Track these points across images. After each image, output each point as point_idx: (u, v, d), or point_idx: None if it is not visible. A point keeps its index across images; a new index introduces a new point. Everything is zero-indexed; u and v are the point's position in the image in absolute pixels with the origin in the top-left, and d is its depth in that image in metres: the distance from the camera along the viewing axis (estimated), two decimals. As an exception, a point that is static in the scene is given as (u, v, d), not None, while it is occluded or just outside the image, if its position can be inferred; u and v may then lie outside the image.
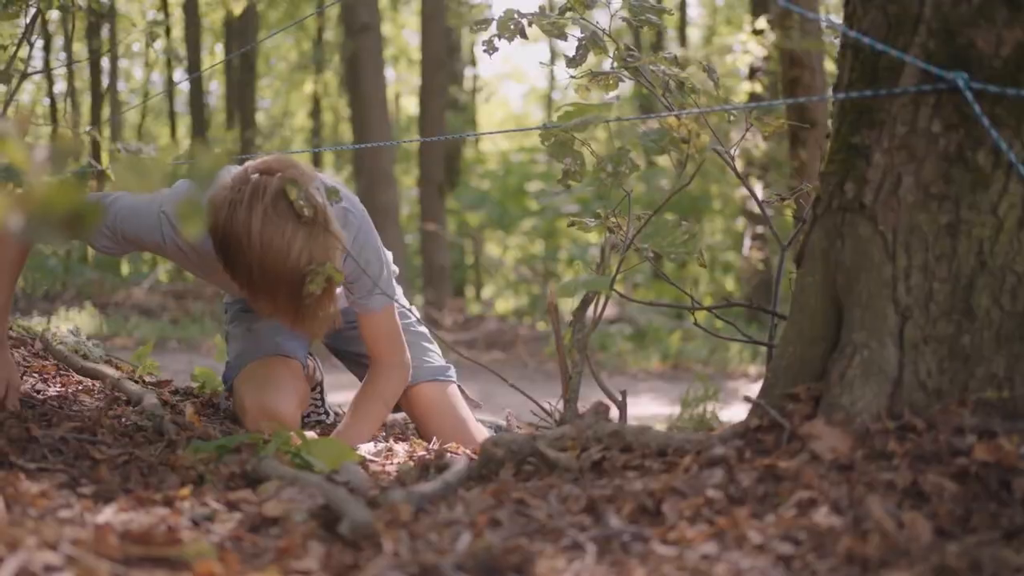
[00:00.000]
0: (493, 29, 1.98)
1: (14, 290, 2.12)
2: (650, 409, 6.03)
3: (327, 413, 2.74)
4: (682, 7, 16.13)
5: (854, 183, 1.55)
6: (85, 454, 1.61)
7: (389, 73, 20.65)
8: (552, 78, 22.28)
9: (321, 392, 2.74)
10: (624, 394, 1.88)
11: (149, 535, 1.10)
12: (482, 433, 2.54)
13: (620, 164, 1.81)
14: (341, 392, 3.56)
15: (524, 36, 2.03)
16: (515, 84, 26.27)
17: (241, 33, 15.02)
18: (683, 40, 16.83)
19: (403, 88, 22.53)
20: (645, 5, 2.10)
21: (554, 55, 20.13)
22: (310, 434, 1.86)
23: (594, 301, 1.83)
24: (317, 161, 20.13)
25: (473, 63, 22.54)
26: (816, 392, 1.54)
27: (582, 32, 1.95)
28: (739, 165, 2.26)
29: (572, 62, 2.07)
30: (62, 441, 1.65)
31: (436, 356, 2.65)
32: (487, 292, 18.83)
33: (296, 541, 1.17)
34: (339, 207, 2.14)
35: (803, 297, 1.61)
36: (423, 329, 2.69)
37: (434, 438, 2.40)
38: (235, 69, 16.42)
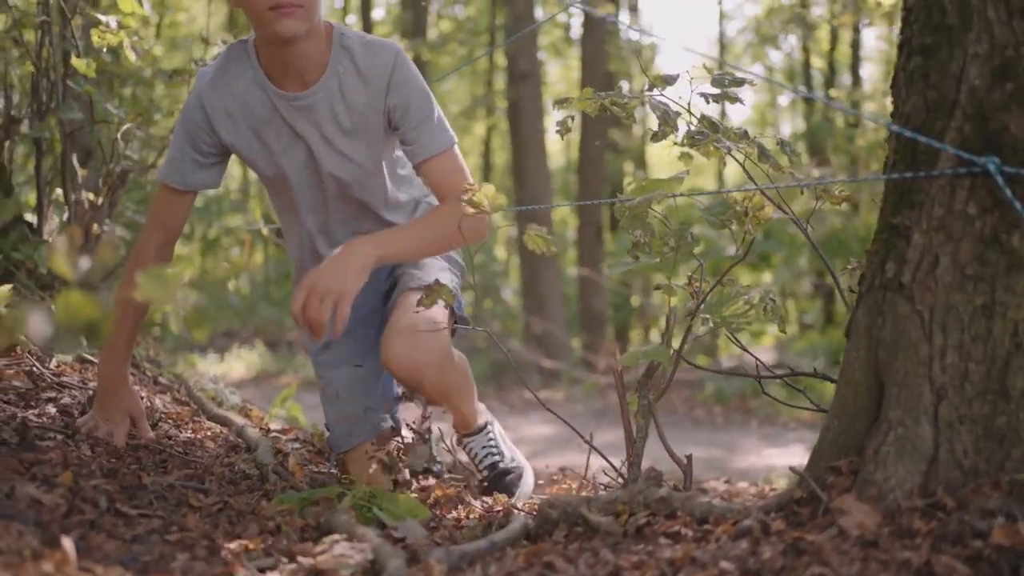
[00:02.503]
0: (572, 110, 2.09)
1: (134, 340, 2.27)
2: (796, 459, 5.95)
3: (437, 463, 2.88)
4: (855, 46, 15.81)
5: (894, 262, 1.59)
6: (185, 501, 1.80)
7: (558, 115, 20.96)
8: (723, 115, 22.13)
9: (431, 442, 2.88)
10: (689, 458, 1.95)
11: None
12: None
13: (681, 239, 1.90)
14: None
15: (607, 112, 2.14)
16: (685, 122, 26.17)
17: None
18: (856, 79, 16.49)
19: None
20: (726, 79, 2.18)
21: (724, 95, 19.96)
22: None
23: (659, 369, 1.91)
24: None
25: (642, 104, 22.63)
26: (857, 466, 1.57)
27: (654, 110, 2.04)
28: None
29: (655, 137, 2.16)
30: (169, 488, 1.85)
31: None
32: (655, 336, 18.77)
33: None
34: (389, 44, 2.20)
35: (848, 371, 1.65)
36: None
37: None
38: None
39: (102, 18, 3.38)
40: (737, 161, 2.09)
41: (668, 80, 2.18)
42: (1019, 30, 1.47)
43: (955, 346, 1.51)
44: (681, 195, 1.96)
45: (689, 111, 2.13)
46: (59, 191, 3.66)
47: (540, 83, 10.84)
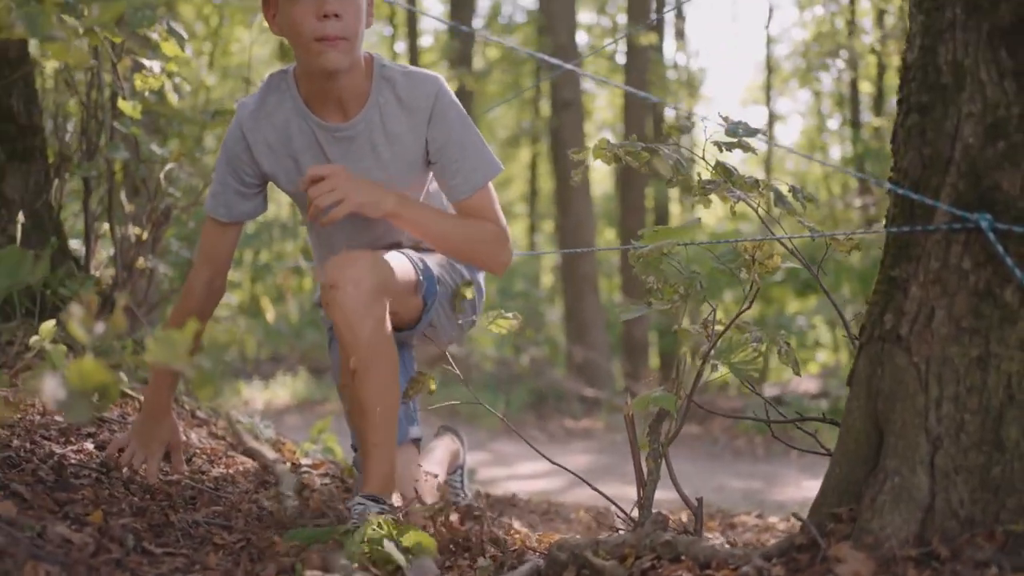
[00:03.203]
0: (588, 159, 2.15)
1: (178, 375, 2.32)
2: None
3: (465, 495, 2.94)
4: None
5: (893, 314, 1.63)
6: (210, 539, 1.87)
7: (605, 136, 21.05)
8: (769, 141, 21.97)
9: (462, 475, 2.93)
10: (700, 501, 1.98)
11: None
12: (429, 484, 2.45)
13: (691, 287, 1.95)
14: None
15: (619, 161, 2.20)
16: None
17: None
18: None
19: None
20: (739, 127, 2.23)
21: (772, 118, 19.99)
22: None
23: (669, 415, 1.96)
24: (533, 228, 20.73)
25: (690, 129, 22.58)
26: (856, 514, 1.61)
27: (666, 160, 2.10)
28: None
29: (670, 183, 2.22)
30: (195, 525, 1.93)
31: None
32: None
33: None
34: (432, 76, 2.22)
35: (849, 420, 1.69)
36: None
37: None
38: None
39: (146, 63, 3.51)
40: (752, 207, 2.14)
41: (682, 129, 2.24)
42: (1010, 91, 1.50)
43: (951, 397, 1.54)
44: (692, 243, 2.01)
45: (703, 159, 2.18)
46: (106, 227, 3.79)
47: (582, 111, 10.92)
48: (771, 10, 30.93)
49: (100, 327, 1.05)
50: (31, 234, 3.37)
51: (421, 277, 2.24)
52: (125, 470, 2.18)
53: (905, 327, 1.60)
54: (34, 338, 2.71)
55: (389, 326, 2.12)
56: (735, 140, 2.21)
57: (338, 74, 2.14)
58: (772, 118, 19.95)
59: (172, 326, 2.32)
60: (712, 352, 1.95)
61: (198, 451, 2.65)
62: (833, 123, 20.33)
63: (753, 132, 2.24)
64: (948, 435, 1.53)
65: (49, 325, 2.75)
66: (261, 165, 2.28)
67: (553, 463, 2.21)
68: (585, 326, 10.15)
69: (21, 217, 3.15)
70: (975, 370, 1.53)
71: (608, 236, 18.62)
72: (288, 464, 2.72)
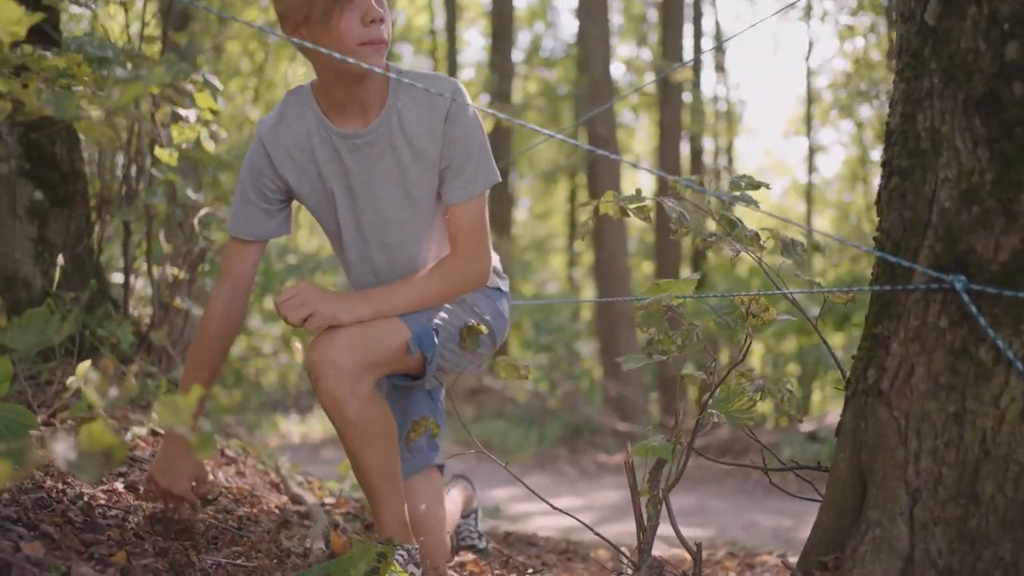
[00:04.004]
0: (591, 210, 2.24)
1: (207, 398, 2.33)
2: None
3: (481, 538, 3.00)
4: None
5: (875, 370, 1.69)
6: (228, 579, 1.97)
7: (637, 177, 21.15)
8: (810, 173, 21.96)
9: (476, 519, 3.01)
10: (699, 546, 2.05)
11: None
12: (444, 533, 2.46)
13: (687, 338, 2.02)
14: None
15: (626, 215, 2.28)
16: (776, 176, 26.15)
17: (498, 142, 15.90)
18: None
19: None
20: (742, 181, 2.31)
21: (812, 151, 19.95)
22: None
23: (669, 462, 2.03)
24: (572, 262, 20.80)
25: (729, 162, 22.58)
26: (841, 562, 1.67)
27: (670, 213, 2.18)
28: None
29: (675, 234, 2.30)
30: (215, 566, 2.02)
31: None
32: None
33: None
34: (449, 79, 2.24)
35: (836, 470, 1.75)
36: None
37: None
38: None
39: (182, 112, 3.66)
40: (754, 259, 2.21)
41: (688, 183, 2.32)
42: (983, 158, 1.57)
43: (929, 451, 1.60)
44: (691, 296, 2.08)
45: (709, 211, 2.26)
46: (144, 267, 3.94)
47: (618, 147, 11.01)
48: (811, 43, 30.90)
49: (114, 392, 1.15)
50: (72, 277, 3.52)
51: (413, 334, 2.22)
52: (151, 505, 2.26)
53: (887, 382, 1.67)
54: (71, 379, 2.84)
55: (377, 397, 2.18)
56: (738, 194, 2.29)
57: (370, 77, 2.20)
58: (812, 149, 19.94)
59: (194, 355, 2.35)
60: (711, 400, 2.02)
61: (224, 490, 2.75)
62: (876, 154, 20.25)
63: (757, 185, 2.32)
64: (927, 488, 1.59)
65: (85, 366, 2.88)
66: (285, 178, 2.31)
67: (553, 507, 2.27)
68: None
69: (61, 260, 3.29)
70: (952, 425, 1.59)
71: (646, 270, 18.67)
72: (322, 505, 2.81)
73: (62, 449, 1.02)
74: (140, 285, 4.15)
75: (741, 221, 2.28)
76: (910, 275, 1.66)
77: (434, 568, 2.35)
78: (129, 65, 3.44)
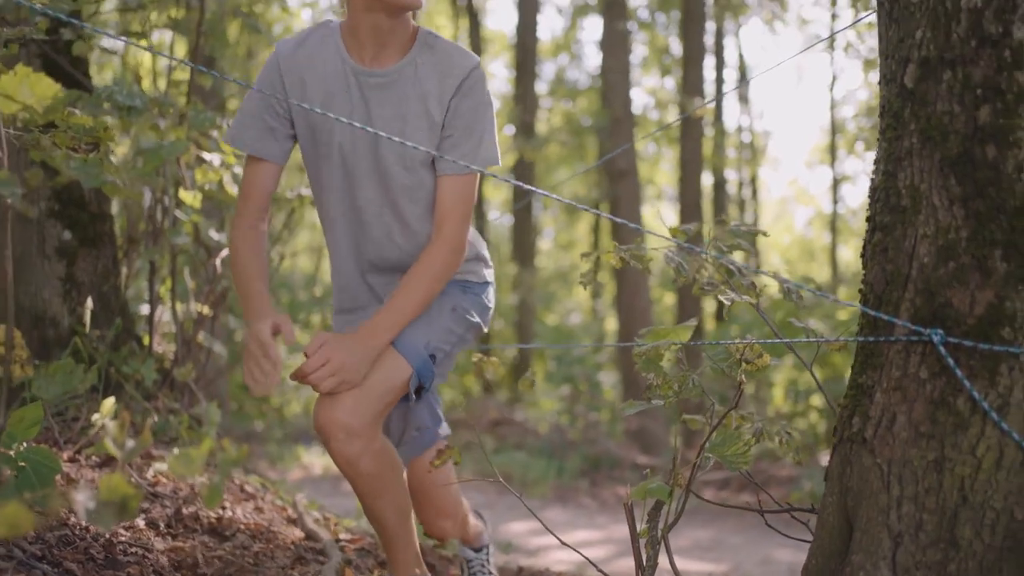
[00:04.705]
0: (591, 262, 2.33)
1: (267, 282, 2.27)
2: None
3: (492, 574, 3.06)
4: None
5: (860, 418, 1.76)
6: (242, 614, 2.05)
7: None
8: (835, 203, 21.96)
9: (487, 554, 3.06)
10: (697, 585, 2.11)
11: None
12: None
13: (685, 383, 2.10)
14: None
15: (626, 264, 2.36)
16: (802, 207, 26.18)
17: (522, 174, 16.03)
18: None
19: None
20: (741, 231, 2.39)
21: (837, 181, 19.95)
22: None
23: (667, 503, 2.09)
24: (595, 292, 20.83)
25: (754, 193, 22.55)
26: (828, 604, 1.73)
27: (668, 262, 2.26)
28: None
29: (674, 283, 2.38)
30: (229, 601, 2.10)
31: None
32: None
33: None
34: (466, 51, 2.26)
35: (824, 514, 1.81)
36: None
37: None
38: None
39: (206, 156, 3.79)
40: (755, 307, 2.28)
41: (686, 232, 2.40)
42: (958, 216, 1.65)
43: (910, 497, 1.66)
44: (688, 344, 2.16)
45: (709, 258, 2.34)
46: (168, 303, 4.05)
47: (638, 181, 11.10)
48: (835, 76, 30.93)
49: (131, 444, 1.24)
50: (98, 315, 3.63)
51: (414, 370, 2.24)
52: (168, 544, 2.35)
53: (870, 430, 1.73)
54: (95, 416, 2.94)
55: (386, 443, 2.24)
56: (736, 242, 2.37)
57: (402, 13, 2.22)
58: (837, 180, 19.95)
59: (242, 276, 2.27)
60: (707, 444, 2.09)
61: (243, 527, 2.83)
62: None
63: (754, 234, 2.40)
64: (908, 533, 1.65)
65: (109, 403, 2.98)
66: (291, 101, 2.28)
67: (562, 542, 2.33)
68: (640, 393, 10.18)
69: (90, 303, 3.40)
70: (932, 472, 1.65)
71: (668, 302, 18.70)
72: (336, 541, 2.89)
73: (82, 499, 1.11)
74: (164, 318, 4.26)
75: (740, 269, 2.36)
76: (892, 327, 1.73)
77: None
78: (156, 111, 3.57)
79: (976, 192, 1.62)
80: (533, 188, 2.04)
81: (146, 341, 3.88)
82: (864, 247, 1.84)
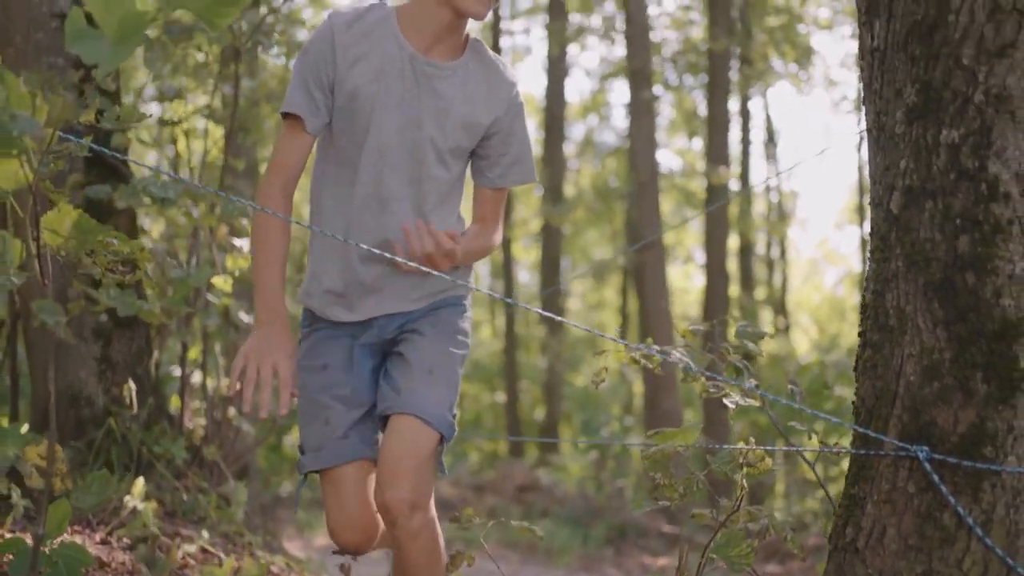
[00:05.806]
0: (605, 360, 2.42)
1: (285, 273, 2.30)
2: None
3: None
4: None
5: (852, 528, 1.84)
6: None
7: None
8: (864, 263, 21.92)
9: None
10: None
11: None
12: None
13: (690, 485, 2.18)
14: None
15: (637, 363, 2.46)
16: (831, 267, 26.17)
17: (549, 237, 16.14)
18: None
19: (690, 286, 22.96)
20: (748, 332, 2.49)
21: (865, 241, 19.94)
22: None
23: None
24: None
25: (782, 253, 22.54)
26: None
27: (678, 363, 2.35)
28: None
29: (684, 381, 2.47)
30: None
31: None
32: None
33: None
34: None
35: (820, 620, 1.88)
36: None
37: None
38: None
39: (236, 242, 3.94)
40: (765, 411, 2.37)
41: (695, 332, 2.49)
42: (941, 338, 1.73)
43: (900, 608, 1.73)
44: (693, 447, 2.24)
45: (714, 361, 2.43)
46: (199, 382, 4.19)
47: (663, 250, 11.20)
48: (861, 137, 31.02)
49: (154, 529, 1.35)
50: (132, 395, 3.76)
51: (444, 437, 2.26)
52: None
53: (862, 540, 1.81)
54: (127, 497, 3.06)
55: (434, 512, 2.29)
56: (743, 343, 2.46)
57: (463, 24, 2.29)
58: (865, 240, 19.91)
59: (262, 255, 2.28)
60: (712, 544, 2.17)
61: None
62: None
63: (760, 335, 2.49)
64: (898, 642, 1.72)
65: (140, 484, 3.09)
66: (339, 72, 2.28)
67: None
68: (667, 455, 10.17)
69: (132, 384, 3.51)
70: (920, 584, 1.72)
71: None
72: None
73: None
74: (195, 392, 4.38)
75: (748, 367, 2.45)
76: (880, 443, 1.81)
77: None
78: (189, 202, 3.73)
79: (957, 316, 1.71)
80: (557, 317, 2.14)
81: (176, 414, 4.00)
82: (856, 362, 1.92)
